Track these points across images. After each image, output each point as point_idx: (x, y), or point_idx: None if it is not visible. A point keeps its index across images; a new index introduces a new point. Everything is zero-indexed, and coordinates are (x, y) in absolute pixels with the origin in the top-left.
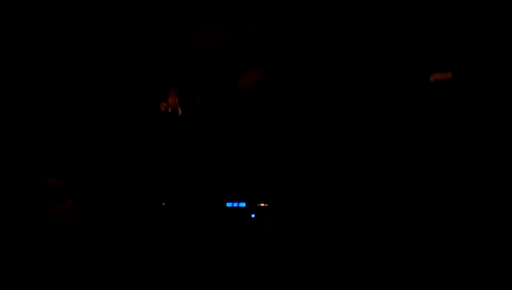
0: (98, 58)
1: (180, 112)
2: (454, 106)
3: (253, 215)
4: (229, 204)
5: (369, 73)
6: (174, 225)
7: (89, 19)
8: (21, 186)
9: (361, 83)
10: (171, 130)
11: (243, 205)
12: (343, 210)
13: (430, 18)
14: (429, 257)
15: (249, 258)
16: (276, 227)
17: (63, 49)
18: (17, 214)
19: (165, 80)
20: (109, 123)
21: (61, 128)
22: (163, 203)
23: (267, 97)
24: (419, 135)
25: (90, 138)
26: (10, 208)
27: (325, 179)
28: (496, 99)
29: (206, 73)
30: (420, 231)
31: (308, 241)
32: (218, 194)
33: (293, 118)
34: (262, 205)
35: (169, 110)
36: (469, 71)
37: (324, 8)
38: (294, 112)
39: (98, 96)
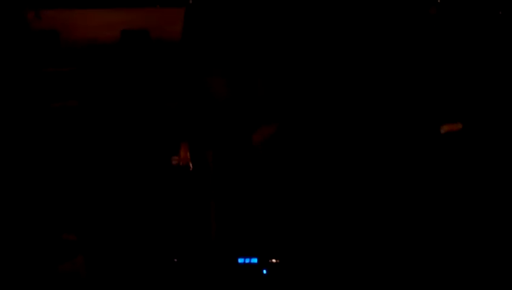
0: (108, 112)
1: (191, 166)
2: (465, 157)
3: (264, 272)
4: (240, 260)
5: (380, 125)
6: (186, 281)
7: (99, 71)
8: (33, 241)
9: (373, 136)
10: (183, 184)
11: (254, 260)
12: (357, 266)
13: (440, 70)
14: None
15: None
16: (289, 283)
17: (71, 102)
18: (29, 268)
19: (176, 133)
20: (121, 178)
21: (72, 182)
22: (175, 259)
23: (280, 151)
24: (431, 187)
25: (102, 192)
26: (22, 262)
27: (338, 236)
28: (507, 151)
29: (218, 127)
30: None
31: None
32: (230, 250)
33: (306, 172)
34: (274, 261)
35: (181, 164)
36: (479, 123)
37: (334, 61)
38: (307, 167)
39: (109, 151)
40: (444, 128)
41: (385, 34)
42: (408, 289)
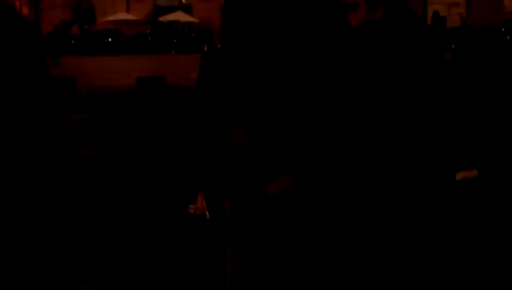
0: (124, 160)
1: (208, 215)
2: (481, 204)
3: None
4: None
5: (397, 173)
6: None
7: (115, 118)
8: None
9: (390, 185)
10: (199, 232)
11: None
12: None
13: (455, 117)
14: None
15: None
16: None
17: (96, 151)
18: None
19: (193, 182)
20: (138, 226)
21: (90, 230)
22: None
23: (297, 202)
24: (447, 234)
25: (120, 241)
26: None
27: (356, 286)
28: None
29: (235, 176)
30: None
31: None
32: None
33: (322, 224)
34: None
35: (198, 213)
36: (495, 170)
37: (353, 112)
38: (324, 218)
39: (126, 200)
40: (460, 175)
41: (399, 84)
42: None
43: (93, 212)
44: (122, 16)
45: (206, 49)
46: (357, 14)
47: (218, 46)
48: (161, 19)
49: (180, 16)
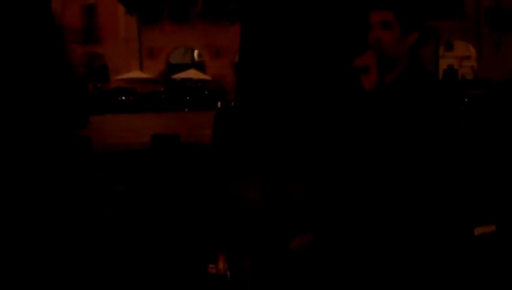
0: (144, 221)
1: (229, 275)
2: (499, 259)
3: None
4: None
5: (413, 228)
6: None
7: (130, 177)
8: None
9: (406, 240)
10: None
11: None
12: None
13: (474, 172)
14: None
15: None
16: None
17: (114, 210)
18: None
19: (213, 241)
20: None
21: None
22: None
23: (318, 258)
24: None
25: None
26: None
27: None
28: None
29: (255, 235)
30: None
31: None
32: None
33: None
34: None
35: (219, 274)
36: None
37: (368, 165)
38: (344, 276)
39: (146, 260)
40: (478, 231)
41: (414, 145)
42: None
43: (111, 274)
44: (136, 74)
45: (219, 106)
46: (369, 78)
47: (232, 103)
48: (174, 76)
49: (193, 74)
